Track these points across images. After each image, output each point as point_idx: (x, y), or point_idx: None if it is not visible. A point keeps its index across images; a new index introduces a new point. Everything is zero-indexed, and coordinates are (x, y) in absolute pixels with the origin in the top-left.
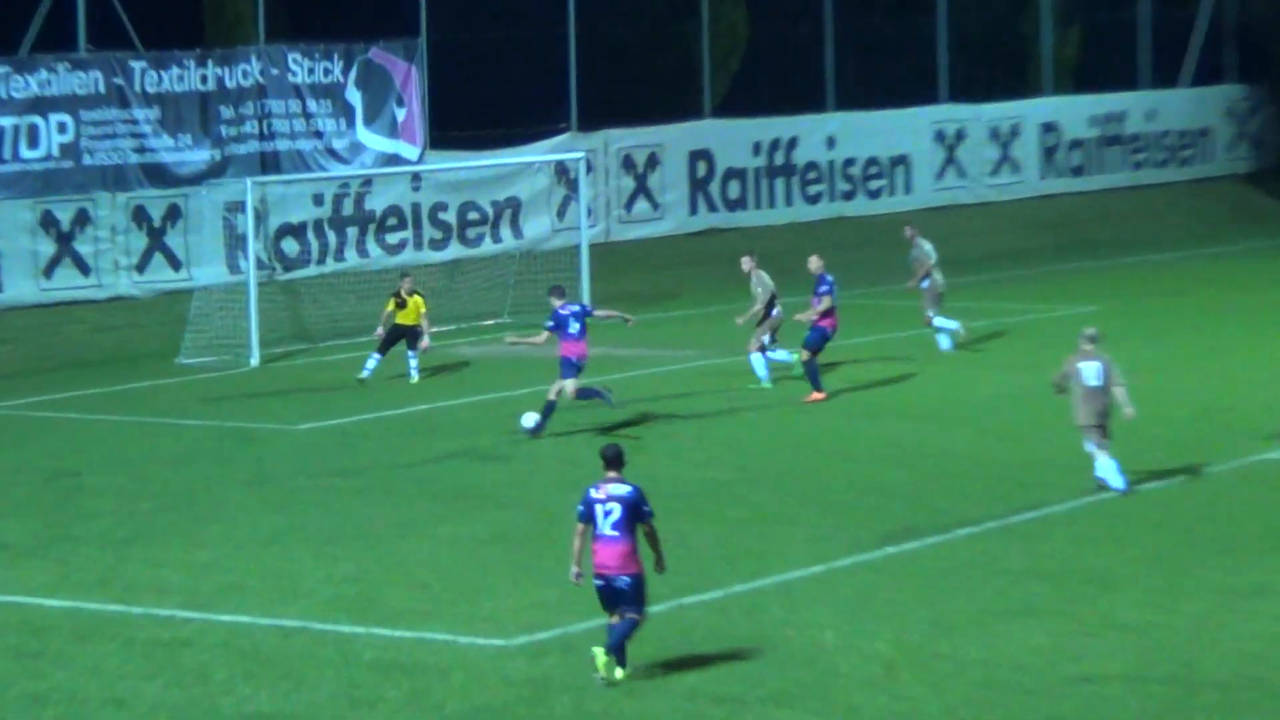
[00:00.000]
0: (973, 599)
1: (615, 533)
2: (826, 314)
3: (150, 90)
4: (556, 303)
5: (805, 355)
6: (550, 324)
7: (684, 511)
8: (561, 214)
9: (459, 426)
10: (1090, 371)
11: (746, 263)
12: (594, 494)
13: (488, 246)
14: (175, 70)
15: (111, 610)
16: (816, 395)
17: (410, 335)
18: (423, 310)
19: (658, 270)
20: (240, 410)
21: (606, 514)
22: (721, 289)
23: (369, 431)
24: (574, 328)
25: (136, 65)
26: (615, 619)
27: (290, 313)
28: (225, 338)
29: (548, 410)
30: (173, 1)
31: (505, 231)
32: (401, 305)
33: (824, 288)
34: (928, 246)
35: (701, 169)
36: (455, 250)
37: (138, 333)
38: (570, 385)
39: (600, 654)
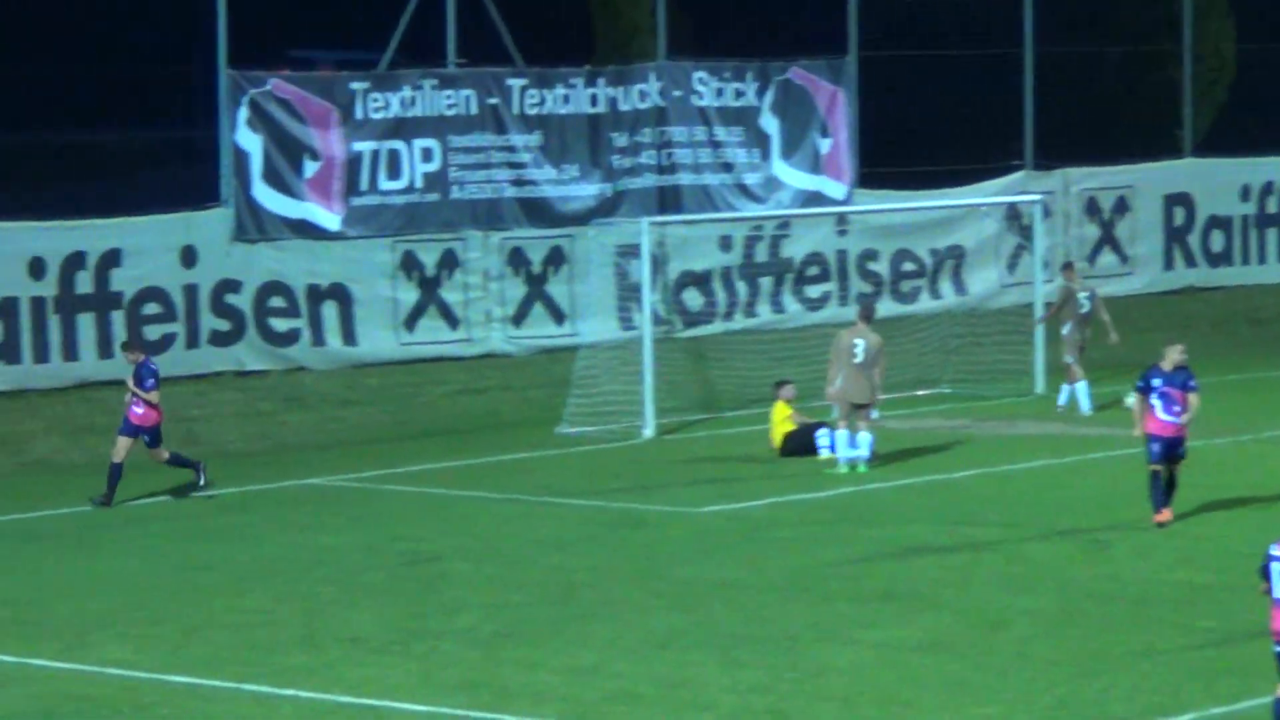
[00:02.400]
0: None
1: None
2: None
3: (530, 113)
4: (139, 357)
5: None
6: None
7: (1151, 619)
8: (1012, 266)
9: (888, 514)
10: None
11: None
12: (1276, 551)
13: (925, 302)
14: (560, 90)
15: (478, 718)
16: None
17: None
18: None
19: (1125, 335)
20: (631, 489)
21: None
22: (1202, 357)
23: (782, 518)
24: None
25: (515, 83)
26: None
27: (691, 376)
28: (614, 404)
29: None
30: (558, 11)
31: (946, 285)
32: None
33: (1194, 382)
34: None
35: (1179, 216)
36: (887, 307)
37: (511, 396)
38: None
39: None
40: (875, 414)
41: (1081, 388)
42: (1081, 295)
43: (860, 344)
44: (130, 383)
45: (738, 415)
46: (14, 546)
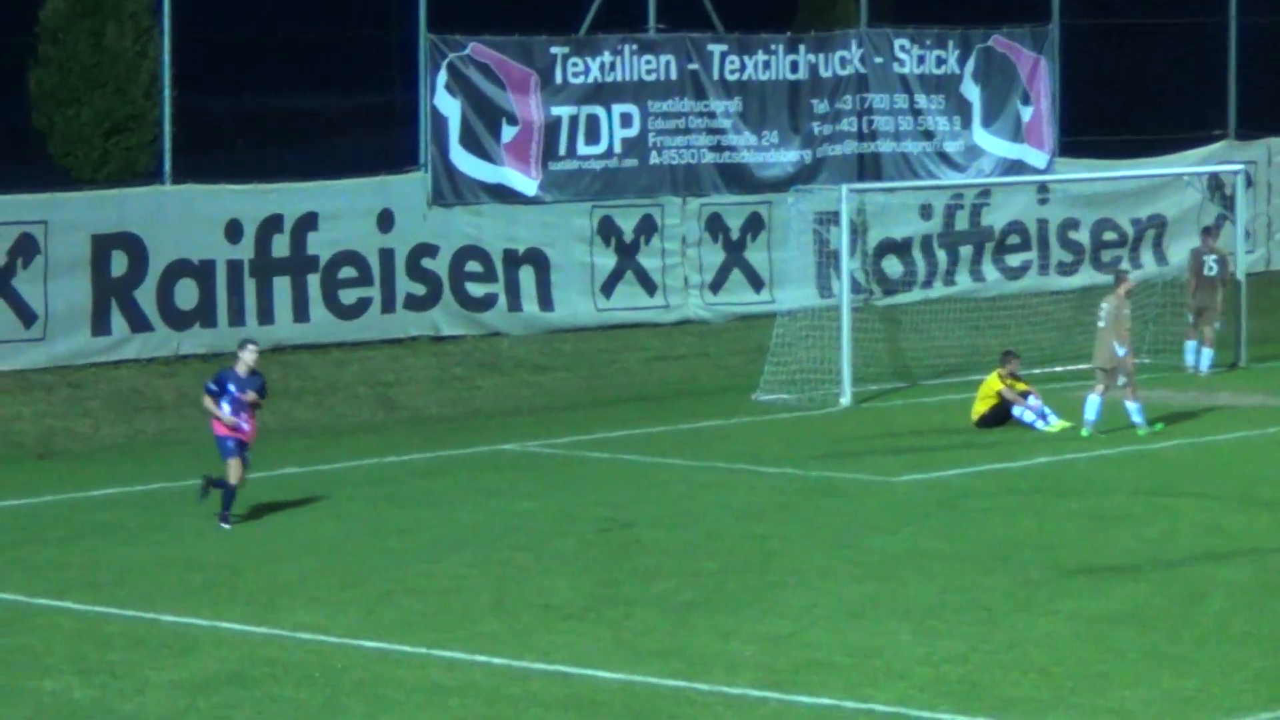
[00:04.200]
0: None
1: None
2: None
3: (730, 78)
4: (248, 355)
5: None
6: (214, 387)
7: None
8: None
9: (1085, 484)
10: None
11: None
12: None
13: None
14: (761, 56)
15: (671, 686)
16: None
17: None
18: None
19: None
20: (826, 458)
21: None
22: None
23: (978, 487)
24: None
25: (715, 49)
26: None
27: (888, 344)
28: (811, 372)
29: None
30: None
31: (1147, 255)
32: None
33: None
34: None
35: None
36: (1087, 276)
37: (707, 363)
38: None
39: None
40: (1121, 380)
41: (1190, 346)
42: (1209, 259)
43: (1103, 308)
44: (253, 394)
45: (935, 384)
46: (212, 508)
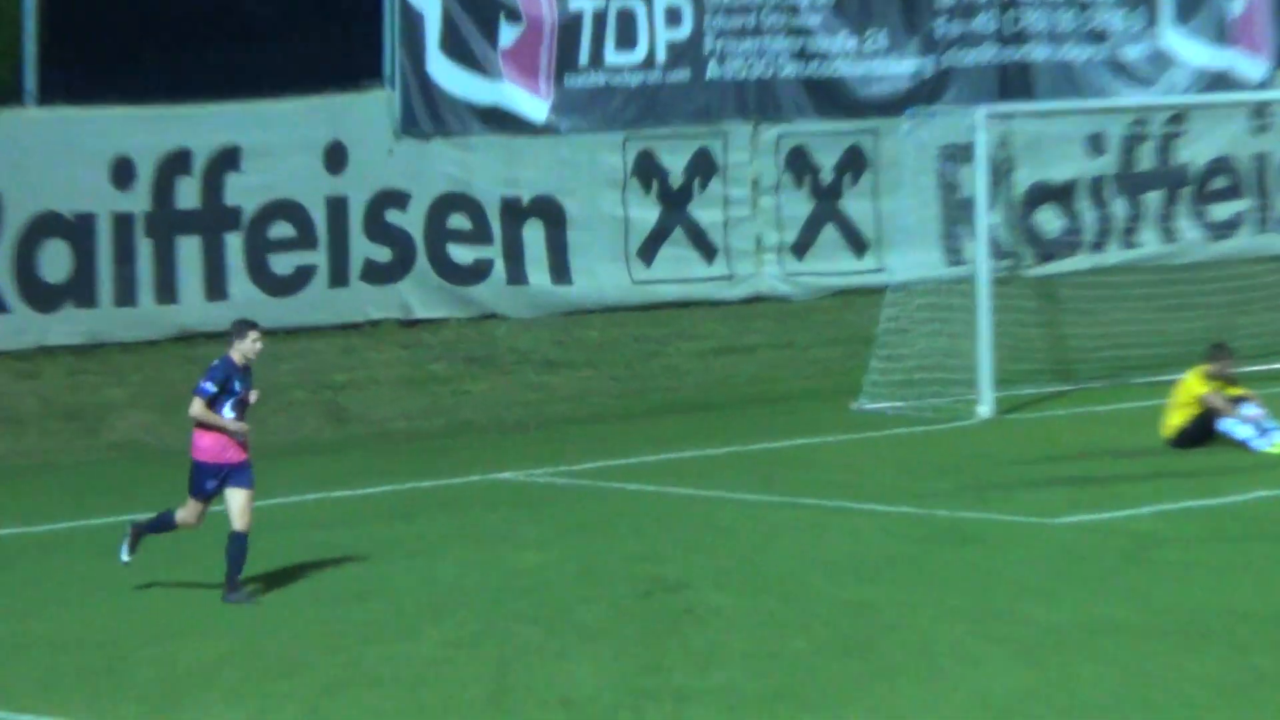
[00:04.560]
0: None
1: None
2: None
3: None
4: (251, 345)
5: None
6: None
7: None
8: None
9: None
10: None
11: None
12: None
13: None
14: None
15: None
16: None
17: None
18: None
19: None
20: (959, 491)
21: None
22: None
23: (1175, 533)
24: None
25: None
26: None
27: (1045, 331)
28: (935, 369)
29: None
30: None
31: None
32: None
33: None
34: None
35: None
36: None
37: (789, 357)
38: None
39: None
40: None
41: None
42: None
43: None
44: (256, 393)
45: (1111, 387)
46: (88, 564)
